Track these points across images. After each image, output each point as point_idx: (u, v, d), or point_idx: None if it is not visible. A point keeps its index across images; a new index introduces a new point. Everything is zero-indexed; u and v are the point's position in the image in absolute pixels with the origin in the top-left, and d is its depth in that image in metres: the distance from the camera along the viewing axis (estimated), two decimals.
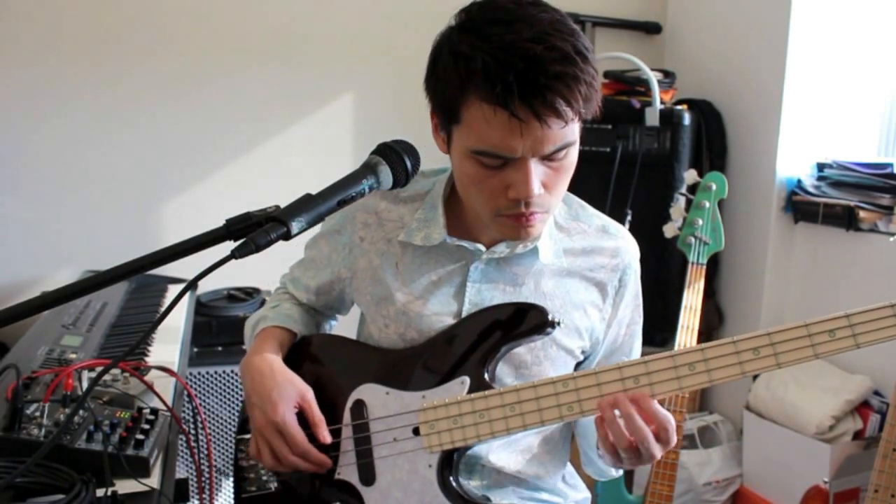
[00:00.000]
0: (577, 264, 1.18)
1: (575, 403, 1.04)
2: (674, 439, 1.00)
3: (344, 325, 1.39)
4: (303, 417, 1.14)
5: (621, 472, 1.23)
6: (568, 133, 1.00)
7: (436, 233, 1.16)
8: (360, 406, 1.15)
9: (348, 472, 1.14)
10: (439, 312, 1.16)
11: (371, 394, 1.15)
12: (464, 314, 1.15)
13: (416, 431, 1.10)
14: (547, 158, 1.01)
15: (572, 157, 1.05)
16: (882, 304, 0.93)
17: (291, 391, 1.13)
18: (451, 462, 1.10)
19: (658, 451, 1.00)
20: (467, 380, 1.09)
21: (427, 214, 1.18)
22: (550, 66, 0.94)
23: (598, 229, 1.21)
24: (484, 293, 1.16)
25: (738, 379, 0.99)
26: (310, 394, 1.14)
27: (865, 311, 0.93)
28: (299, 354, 1.24)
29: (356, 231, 1.22)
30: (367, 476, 1.13)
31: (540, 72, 0.94)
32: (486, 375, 1.10)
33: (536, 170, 1.00)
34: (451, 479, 1.10)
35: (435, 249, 1.17)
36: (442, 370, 1.12)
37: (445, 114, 1.03)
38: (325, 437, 1.13)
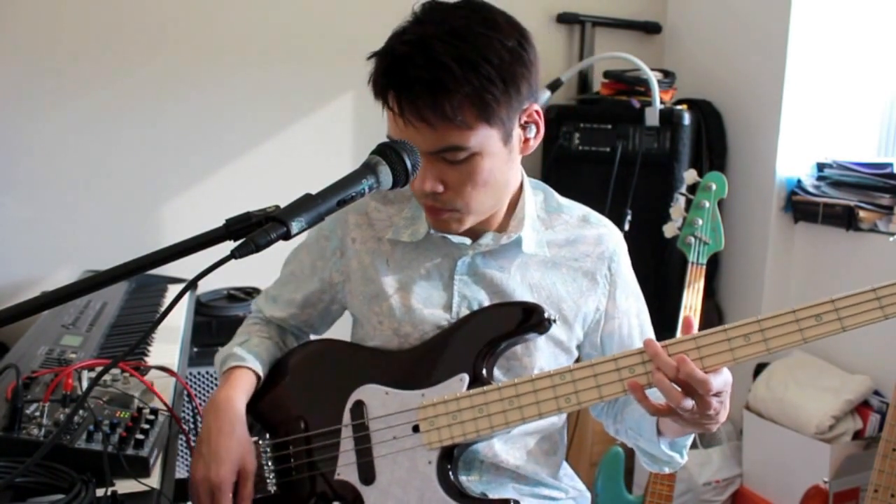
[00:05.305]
0: (562, 255, 1.20)
1: (572, 395, 1.05)
2: (716, 398, 0.99)
3: (337, 332, 1.38)
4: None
5: (686, 457, 1.23)
6: (451, 138, 1.03)
7: (422, 228, 1.19)
8: (359, 406, 1.15)
9: (348, 471, 1.15)
10: (430, 305, 1.18)
11: (370, 394, 1.15)
12: (454, 306, 1.18)
13: (415, 429, 1.11)
14: (442, 158, 1.05)
15: (478, 164, 1.06)
16: (864, 288, 0.96)
17: (238, 455, 1.11)
18: (450, 458, 1.11)
19: (712, 402, 0.99)
20: (466, 377, 1.11)
21: (413, 213, 1.21)
22: (412, 69, 1.00)
23: (579, 219, 1.23)
24: (472, 286, 1.18)
25: (730, 365, 1.01)
26: (253, 465, 1.13)
27: (849, 295, 0.97)
28: (298, 359, 1.24)
29: (348, 233, 1.24)
30: (367, 475, 1.13)
31: (400, 72, 1.01)
32: (484, 372, 1.11)
33: (432, 167, 1.05)
34: (451, 475, 1.10)
35: (423, 244, 1.20)
36: (440, 368, 1.13)
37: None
38: None
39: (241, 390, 1.18)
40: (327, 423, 1.16)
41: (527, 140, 1.13)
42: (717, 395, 1.00)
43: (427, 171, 1.05)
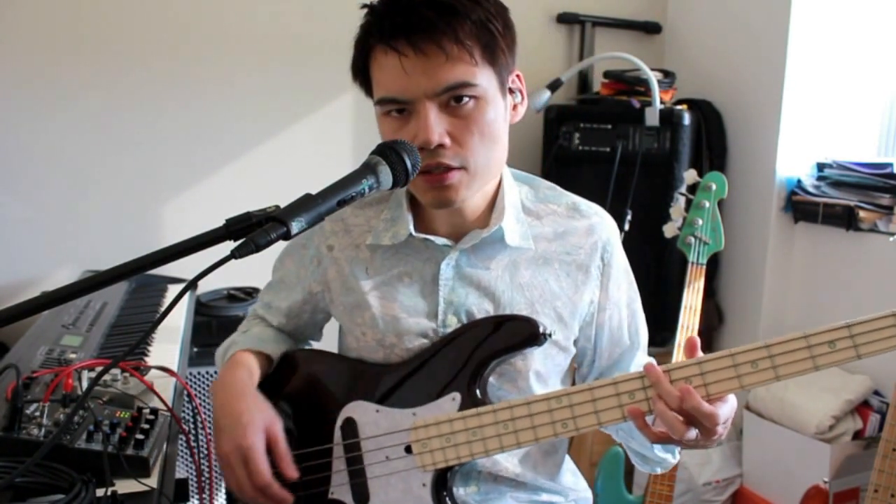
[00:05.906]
0: (553, 249, 1.16)
1: (570, 420, 1.01)
2: (721, 425, 0.97)
3: (327, 339, 1.38)
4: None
5: (678, 457, 1.21)
6: (461, 72, 1.01)
7: (403, 229, 1.14)
8: (350, 424, 1.12)
9: (341, 492, 1.12)
10: (415, 314, 1.14)
11: (361, 411, 1.12)
12: (439, 314, 1.13)
13: (408, 450, 1.08)
14: (447, 106, 1.02)
15: (482, 110, 1.04)
16: (883, 313, 0.91)
17: (261, 418, 1.08)
18: (445, 480, 1.08)
19: (717, 430, 0.97)
20: (458, 396, 1.07)
21: (393, 214, 1.17)
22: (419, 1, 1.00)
23: (568, 207, 1.19)
24: (458, 290, 1.14)
25: (737, 392, 0.97)
26: (279, 425, 1.09)
27: (866, 320, 0.91)
28: (286, 371, 1.21)
29: (325, 240, 1.21)
30: (361, 496, 1.10)
31: (408, 7, 1.00)
32: (477, 391, 1.07)
33: (438, 117, 1.02)
34: (447, 497, 1.08)
35: (403, 249, 1.16)
36: (432, 386, 1.09)
37: (364, 84, 1.09)
38: (291, 472, 1.07)
39: (239, 370, 1.16)
40: (318, 440, 1.13)
41: (515, 106, 1.13)
42: (724, 422, 0.97)
43: (433, 122, 1.01)
